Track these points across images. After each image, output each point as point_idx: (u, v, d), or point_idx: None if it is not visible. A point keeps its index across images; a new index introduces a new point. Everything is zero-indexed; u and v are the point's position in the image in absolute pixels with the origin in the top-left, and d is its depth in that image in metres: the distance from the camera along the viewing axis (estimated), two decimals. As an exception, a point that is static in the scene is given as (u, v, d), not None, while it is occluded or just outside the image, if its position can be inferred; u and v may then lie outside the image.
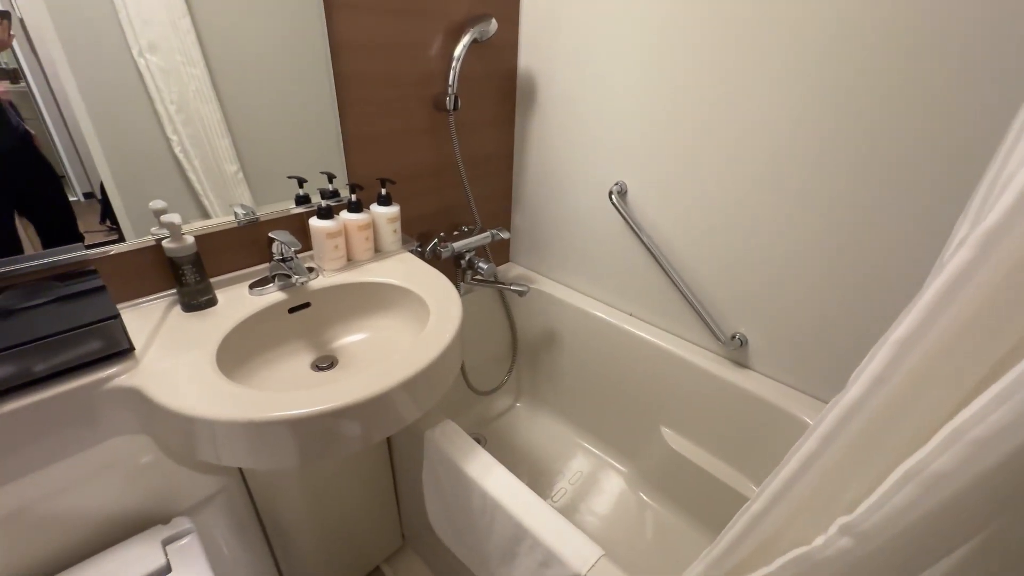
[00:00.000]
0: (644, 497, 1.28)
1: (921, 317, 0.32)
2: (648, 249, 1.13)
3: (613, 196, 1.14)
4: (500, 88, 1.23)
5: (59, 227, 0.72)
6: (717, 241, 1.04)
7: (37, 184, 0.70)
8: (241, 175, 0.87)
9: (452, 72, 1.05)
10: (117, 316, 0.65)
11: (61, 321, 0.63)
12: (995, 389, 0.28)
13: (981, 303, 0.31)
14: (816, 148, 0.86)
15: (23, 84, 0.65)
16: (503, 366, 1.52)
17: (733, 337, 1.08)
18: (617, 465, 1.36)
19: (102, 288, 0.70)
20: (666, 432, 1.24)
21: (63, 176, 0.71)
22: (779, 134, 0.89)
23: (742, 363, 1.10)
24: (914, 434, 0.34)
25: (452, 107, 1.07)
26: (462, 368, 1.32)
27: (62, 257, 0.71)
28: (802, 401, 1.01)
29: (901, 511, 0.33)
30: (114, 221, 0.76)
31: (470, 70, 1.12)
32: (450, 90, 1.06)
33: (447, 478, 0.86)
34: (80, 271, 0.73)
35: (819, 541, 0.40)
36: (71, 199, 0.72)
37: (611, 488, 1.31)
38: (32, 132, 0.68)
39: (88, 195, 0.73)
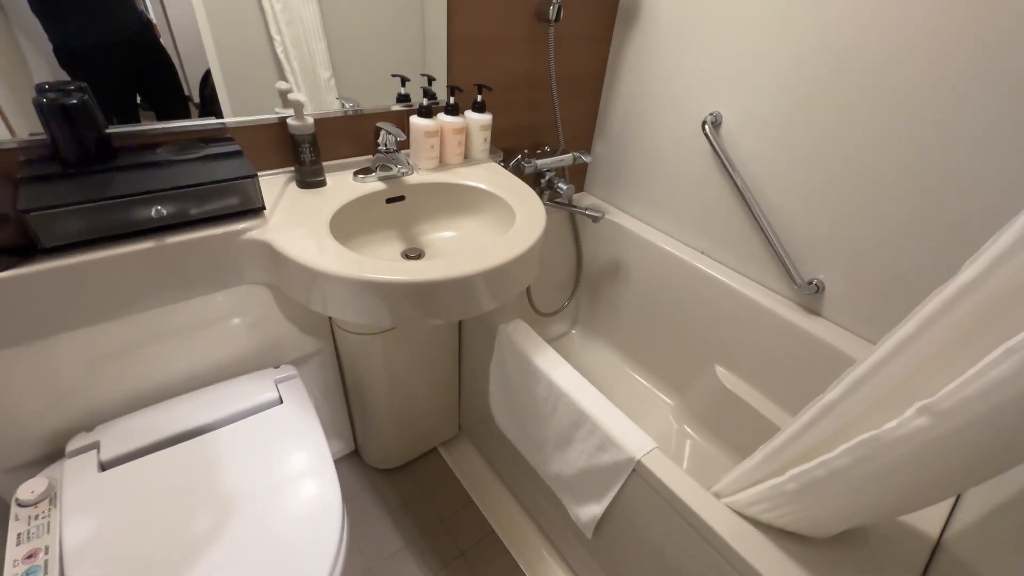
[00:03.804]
0: (687, 429, 1.33)
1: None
2: (735, 183, 1.10)
3: (706, 126, 1.11)
4: (601, 4, 1.19)
5: (174, 112, 0.78)
6: (813, 182, 1.00)
7: (157, 69, 0.76)
8: (333, 82, 0.91)
9: (559, -22, 1.03)
10: (255, 175, 0.73)
11: (209, 175, 0.72)
12: None
13: None
14: (946, 94, 0.79)
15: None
16: (565, 292, 1.57)
17: (810, 282, 1.06)
18: (665, 398, 1.41)
19: (239, 152, 0.79)
20: (720, 371, 1.26)
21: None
22: (904, 74, 0.82)
23: (814, 310, 1.09)
24: None
25: (555, 16, 1.05)
26: (527, 286, 1.38)
27: (209, 122, 0.80)
28: (873, 352, 1.00)
29: (994, 387, 0.35)
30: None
31: (576, -21, 1.09)
32: (555, -2, 1.04)
33: (514, 368, 0.94)
34: (219, 138, 0.82)
35: (891, 424, 0.43)
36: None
37: (657, 416, 1.37)
38: (154, 21, 0.72)
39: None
